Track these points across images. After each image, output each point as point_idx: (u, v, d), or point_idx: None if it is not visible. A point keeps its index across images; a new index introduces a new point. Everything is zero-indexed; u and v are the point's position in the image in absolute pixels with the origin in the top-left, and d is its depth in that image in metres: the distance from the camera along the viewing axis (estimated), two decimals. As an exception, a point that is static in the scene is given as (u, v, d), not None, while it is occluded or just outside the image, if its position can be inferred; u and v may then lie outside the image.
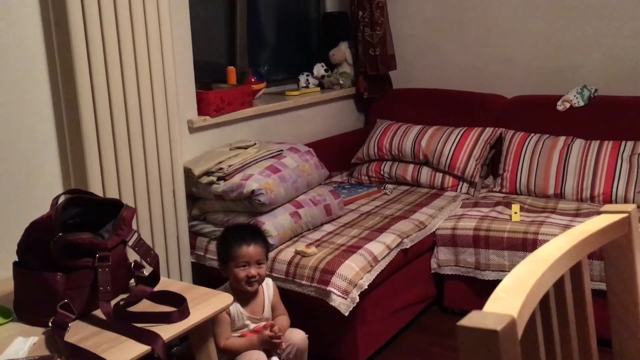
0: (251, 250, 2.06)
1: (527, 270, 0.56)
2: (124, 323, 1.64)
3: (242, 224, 2.35)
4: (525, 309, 0.52)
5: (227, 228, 2.25)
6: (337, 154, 3.51)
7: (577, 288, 0.65)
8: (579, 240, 0.65)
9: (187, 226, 2.56)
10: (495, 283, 2.72)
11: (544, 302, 0.58)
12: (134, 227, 1.92)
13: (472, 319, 0.49)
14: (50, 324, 1.58)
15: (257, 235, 2.14)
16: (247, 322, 2.11)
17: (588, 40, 3.27)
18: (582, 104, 3.15)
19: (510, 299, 0.52)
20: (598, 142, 2.99)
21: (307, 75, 3.61)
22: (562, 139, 3.08)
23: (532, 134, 3.18)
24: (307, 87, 3.56)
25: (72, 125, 2.20)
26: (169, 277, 2.46)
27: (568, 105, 3.18)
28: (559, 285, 0.61)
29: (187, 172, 2.54)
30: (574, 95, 3.18)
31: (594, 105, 3.14)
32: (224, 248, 2.10)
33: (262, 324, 2.13)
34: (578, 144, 3.02)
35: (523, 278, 0.54)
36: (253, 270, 2.06)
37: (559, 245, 0.62)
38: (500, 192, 3.16)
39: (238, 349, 2.03)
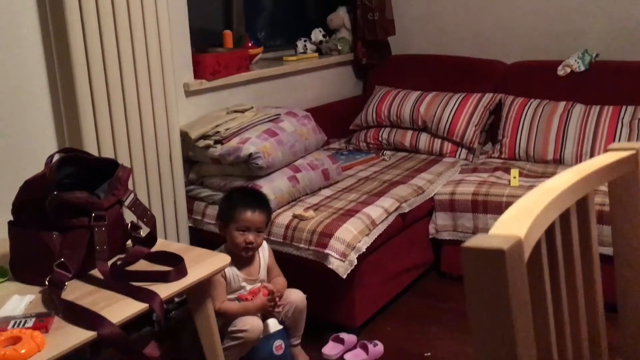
0: (255, 216, 2.05)
1: (533, 199, 0.54)
2: (121, 282, 1.63)
3: (250, 189, 2.32)
4: (532, 234, 0.50)
5: (234, 189, 2.24)
6: (335, 121, 3.48)
7: (583, 222, 0.63)
8: (586, 174, 0.63)
9: (184, 190, 2.55)
10: (493, 248, 2.73)
11: (549, 232, 0.56)
12: (130, 188, 1.90)
13: (477, 240, 0.47)
14: (46, 283, 1.57)
15: (263, 202, 2.13)
16: (244, 283, 2.10)
17: (589, 5, 3.22)
18: (582, 68, 3.12)
19: (516, 223, 0.50)
20: (598, 107, 2.96)
21: (305, 41, 3.56)
22: (562, 104, 3.05)
23: (532, 100, 3.15)
24: (304, 52, 3.51)
25: (66, 88, 2.16)
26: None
27: (569, 70, 3.15)
28: (564, 217, 0.59)
29: (184, 135, 2.51)
30: (575, 60, 3.14)
31: (594, 70, 3.11)
32: (228, 208, 2.09)
33: (259, 285, 2.13)
34: (578, 109, 3.00)
35: (529, 206, 0.53)
36: (251, 237, 2.05)
37: (565, 179, 0.61)
38: (499, 158, 3.14)
39: (233, 314, 2.03)
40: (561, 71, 3.17)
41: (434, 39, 3.71)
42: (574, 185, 0.60)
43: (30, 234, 1.64)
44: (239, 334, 1.96)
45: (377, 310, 2.55)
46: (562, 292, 0.58)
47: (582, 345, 0.61)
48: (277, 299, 2.04)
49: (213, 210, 2.53)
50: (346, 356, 2.28)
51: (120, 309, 1.52)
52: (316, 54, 3.53)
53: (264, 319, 2.10)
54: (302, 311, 2.18)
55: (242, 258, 2.11)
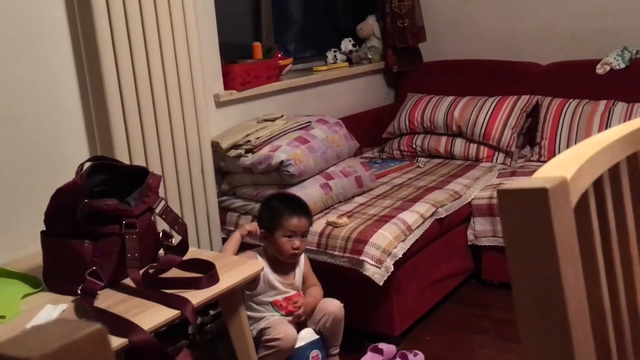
0: (301, 222, 2.05)
1: (579, 149, 0.49)
2: (152, 289, 1.61)
3: (288, 194, 2.28)
4: (579, 179, 0.45)
5: (272, 196, 2.21)
6: (367, 130, 3.43)
7: (635, 179, 0.57)
8: (635, 128, 0.57)
9: (216, 202, 2.53)
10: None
11: (598, 185, 0.50)
12: (162, 196, 1.89)
13: (515, 183, 0.42)
14: (79, 292, 1.56)
15: (305, 207, 2.13)
16: (278, 284, 2.06)
17: (627, 0, 3.12)
18: (623, 66, 3.01)
19: (561, 168, 0.44)
20: (641, 104, 2.85)
21: (335, 52, 3.54)
22: (603, 103, 2.94)
23: (571, 100, 3.04)
24: (335, 63, 3.49)
25: (98, 102, 2.17)
26: (200, 252, 2.43)
27: (608, 68, 3.04)
28: (614, 172, 0.53)
29: (215, 146, 2.50)
30: (614, 58, 3.04)
31: (635, 67, 3.00)
32: (272, 216, 2.06)
33: (293, 292, 2.08)
34: (620, 107, 2.88)
35: (575, 155, 0.47)
36: (297, 242, 2.04)
37: (612, 132, 0.55)
38: (538, 161, 3.04)
39: (225, 247, 2.12)
40: (600, 69, 3.06)
41: (466, 43, 3.65)
42: (624, 138, 0.54)
43: (61, 242, 1.63)
44: (273, 343, 1.91)
45: (417, 320, 2.47)
46: (613, 249, 0.52)
47: (638, 308, 0.55)
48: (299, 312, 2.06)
49: (246, 221, 2.50)
50: (385, 366, 2.21)
51: (152, 316, 1.50)
52: (346, 64, 3.51)
53: (299, 328, 2.05)
54: (340, 321, 2.12)
55: (280, 262, 2.08)
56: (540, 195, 0.39)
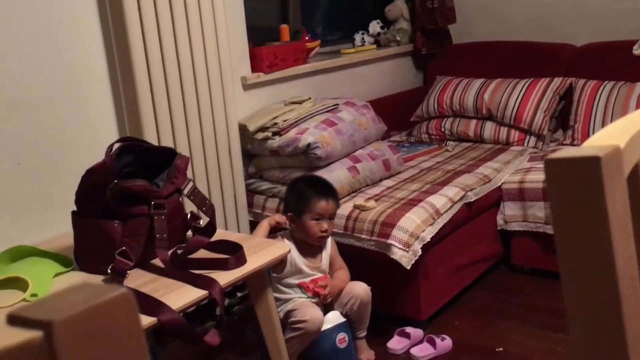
0: (329, 205, 2.05)
1: (626, 122, 0.46)
2: (180, 270, 1.62)
3: (315, 177, 2.27)
4: (630, 150, 0.42)
5: (298, 180, 2.21)
6: (395, 113, 3.39)
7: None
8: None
9: (243, 184, 2.53)
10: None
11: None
12: (189, 177, 1.89)
13: (564, 152, 0.40)
14: (109, 271, 1.58)
15: (332, 189, 2.12)
16: (304, 267, 2.06)
17: (667, -22, 3.01)
18: (661, 46, 2.90)
19: (612, 138, 0.42)
20: (680, 86, 2.75)
21: (363, 34, 3.49)
22: (640, 85, 2.85)
23: (606, 82, 2.96)
24: (362, 45, 3.45)
25: (127, 86, 2.18)
26: (227, 234, 2.44)
27: (645, 48, 2.94)
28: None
29: (242, 128, 2.50)
30: (652, 38, 2.93)
31: (675, 47, 2.89)
32: (300, 199, 2.06)
33: (319, 275, 2.08)
34: (657, 89, 2.79)
35: (623, 126, 0.45)
36: (325, 224, 2.03)
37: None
38: (571, 144, 2.97)
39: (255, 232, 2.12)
40: (637, 50, 2.95)
41: (496, 25, 3.57)
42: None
43: (92, 222, 1.65)
44: (299, 325, 1.91)
45: (444, 304, 2.45)
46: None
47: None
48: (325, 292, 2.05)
49: (273, 203, 2.50)
50: (412, 351, 2.19)
51: (180, 296, 1.51)
52: (374, 46, 3.46)
53: (326, 311, 2.05)
54: (367, 304, 2.12)
55: (307, 245, 2.08)
56: (592, 164, 0.37)
